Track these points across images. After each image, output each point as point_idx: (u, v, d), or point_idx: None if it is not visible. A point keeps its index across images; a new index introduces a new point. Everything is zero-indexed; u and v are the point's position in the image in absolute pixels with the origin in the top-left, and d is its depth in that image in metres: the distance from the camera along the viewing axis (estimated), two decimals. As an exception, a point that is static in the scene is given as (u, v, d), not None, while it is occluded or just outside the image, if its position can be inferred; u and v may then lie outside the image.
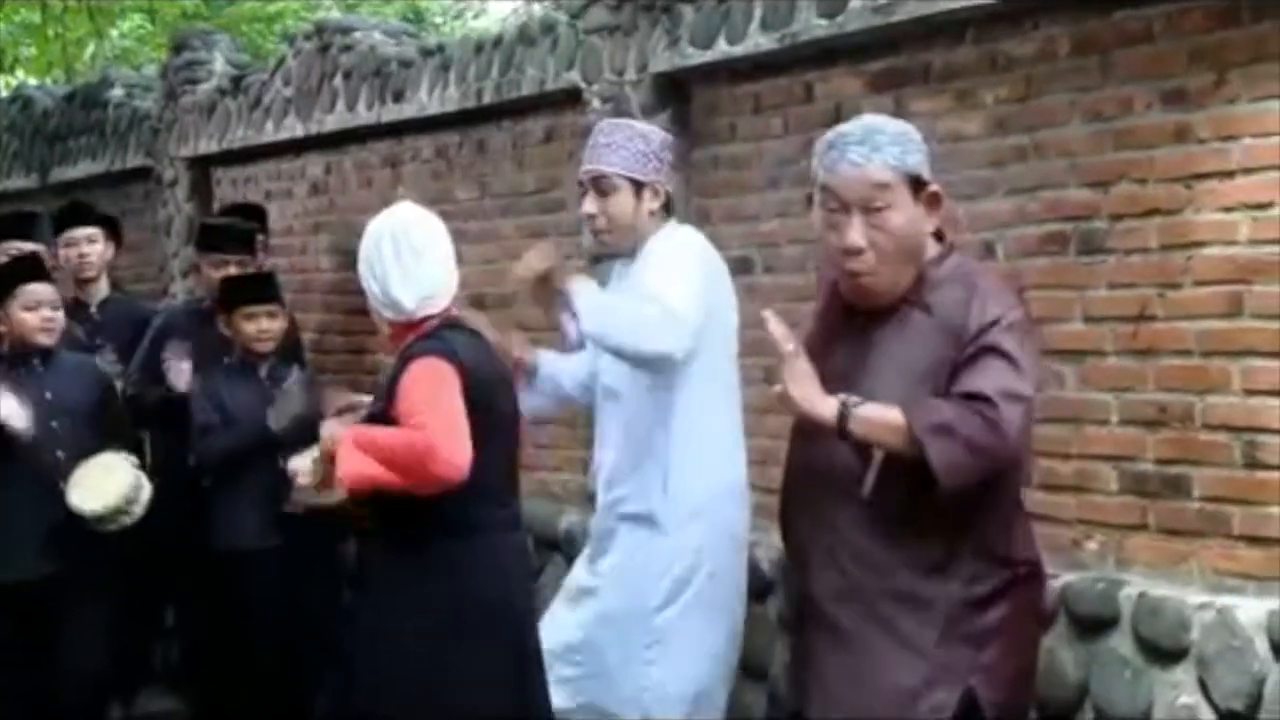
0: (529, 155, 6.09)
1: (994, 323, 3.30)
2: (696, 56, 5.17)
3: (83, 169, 9.00)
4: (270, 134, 7.36)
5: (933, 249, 3.43)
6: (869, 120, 3.47)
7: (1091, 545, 4.13)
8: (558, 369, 4.62)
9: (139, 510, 5.14)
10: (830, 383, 3.36)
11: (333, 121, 6.94)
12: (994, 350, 3.27)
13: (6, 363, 5.21)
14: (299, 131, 7.16)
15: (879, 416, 3.27)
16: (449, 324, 3.97)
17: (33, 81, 13.40)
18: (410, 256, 4.01)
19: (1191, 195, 3.90)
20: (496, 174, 6.24)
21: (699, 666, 4.27)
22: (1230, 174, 3.82)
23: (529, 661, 3.97)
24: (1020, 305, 3.43)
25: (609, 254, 4.58)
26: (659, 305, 4.11)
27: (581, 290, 4.25)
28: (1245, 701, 3.61)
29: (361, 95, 6.74)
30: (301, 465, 4.30)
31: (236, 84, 7.67)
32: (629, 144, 4.39)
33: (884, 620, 3.34)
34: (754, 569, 4.83)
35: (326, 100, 6.96)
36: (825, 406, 3.31)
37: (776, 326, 3.37)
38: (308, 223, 7.31)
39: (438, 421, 3.74)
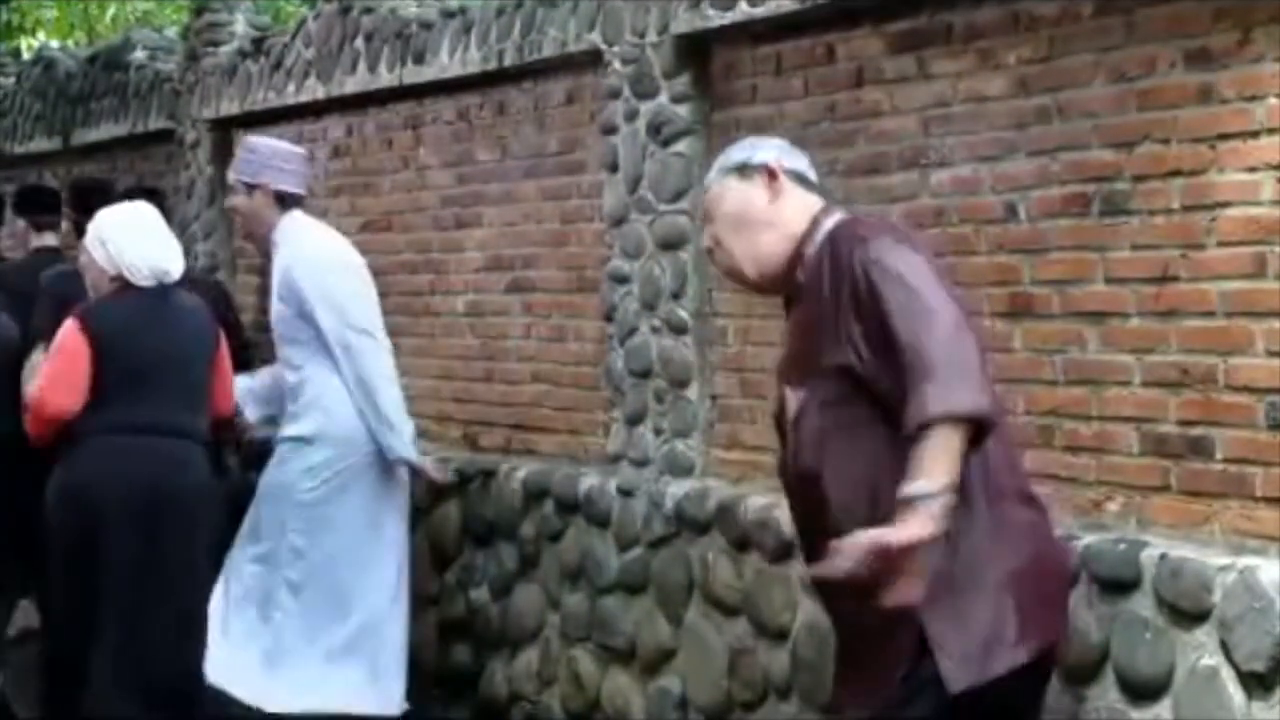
0: (550, 117, 6.08)
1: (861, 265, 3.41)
2: (717, 18, 5.15)
3: (105, 131, 9.01)
4: (291, 96, 7.36)
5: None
6: None
7: (1112, 506, 4.12)
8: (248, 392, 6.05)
9: None
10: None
11: (354, 84, 6.94)
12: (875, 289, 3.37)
13: None
14: (320, 94, 7.16)
15: (934, 458, 3.21)
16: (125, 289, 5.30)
17: (55, 44, 13.42)
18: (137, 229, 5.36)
19: (1215, 155, 3.87)
20: (517, 136, 6.23)
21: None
22: (1254, 134, 3.79)
23: (102, 531, 5.14)
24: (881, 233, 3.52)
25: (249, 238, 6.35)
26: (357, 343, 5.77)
27: None
28: (1267, 663, 3.60)
29: (383, 57, 6.74)
30: None
31: (258, 46, 7.67)
32: (243, 155, 6.00)
33: None
34: (774, 531, 4.85)
35: (347, 62, 6.96)
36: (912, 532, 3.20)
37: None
38: (329, 185, 7.31)
39: (48, 378, 5.23)
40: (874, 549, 3.14)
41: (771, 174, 3.65)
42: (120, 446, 5.20)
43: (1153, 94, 4.01)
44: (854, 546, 3.16)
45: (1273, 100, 3.75)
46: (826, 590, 3.62)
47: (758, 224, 3.63)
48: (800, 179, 3.69)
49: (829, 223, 3.59)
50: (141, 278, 5.29)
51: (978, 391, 3.25)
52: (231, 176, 6.09)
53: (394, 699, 5.81)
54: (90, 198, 6.29)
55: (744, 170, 3.68)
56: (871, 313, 3.34)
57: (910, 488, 3.18)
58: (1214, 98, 3.87)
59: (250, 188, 5.90)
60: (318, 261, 5.80)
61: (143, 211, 5.49)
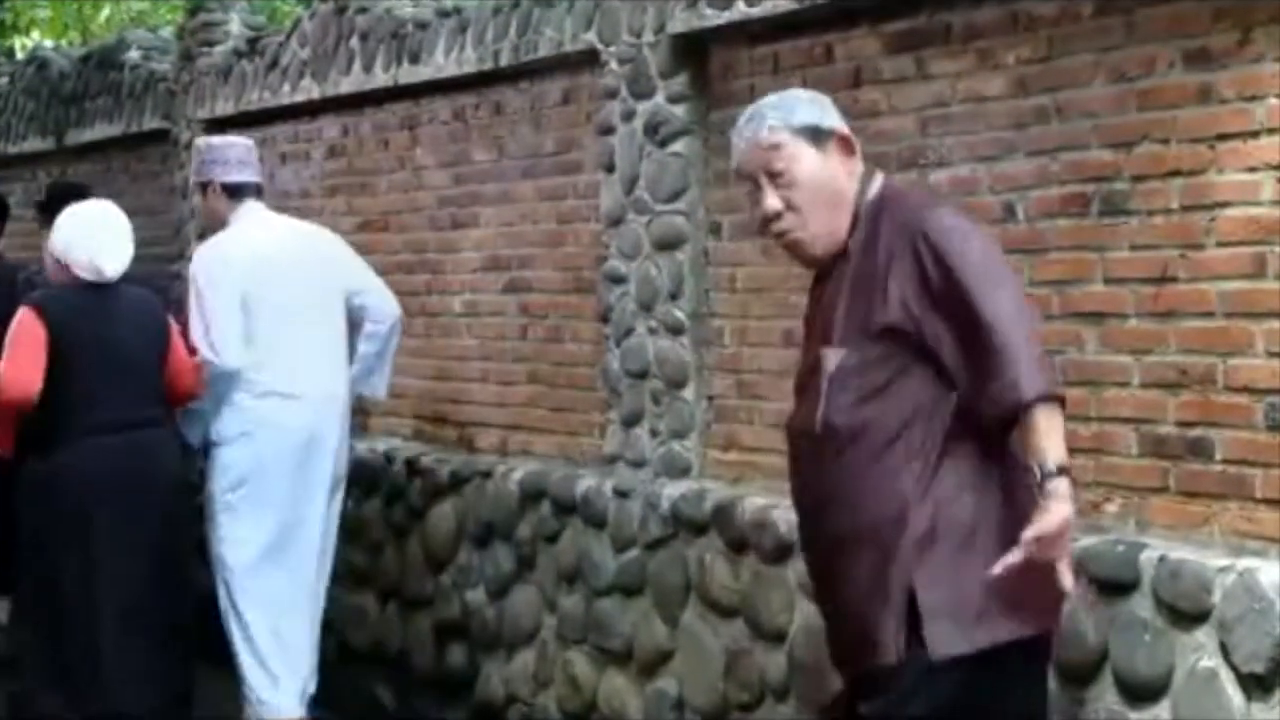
0: (546, 117, 6.07)
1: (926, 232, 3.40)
2: (715, 17, 5.14)
3: (99, 131, 9.00)
4: (287, 96, 7.35)
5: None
6: (763, 99, 3.67)
7: (1111, 508, 4.12)
8: None
9: None
10: (806, 355, 3.61)
11: (349, 83, 6.92)
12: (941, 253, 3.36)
13: None
14: (315, 94, 7.15)
15: (1048, 436, 3.30)
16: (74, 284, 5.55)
17: (48, 43, 13.40)
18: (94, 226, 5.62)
19: (1214, 155, 3.87)
20: (514, 136, 6.22)
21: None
22: (1254, 134, 3.78)
23: (101, 550, 5.36)
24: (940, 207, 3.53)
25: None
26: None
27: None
28: (1266, 665, 3.59)
29: (378, 57, 6.72)
30: None
31: (253, 46, 7.65)
32: (193, 158, 6.24)
33: None
34: (771, 531, 4.84)
35: (343, 62, 6.94)
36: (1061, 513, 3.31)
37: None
38: (325, 185, 7.30)
39: (9, 361, 5.39)
40: (1036, 541, 3.25)
41: (847, 146, 3.54)
42: (93, 444, 5.40)
43: (1153, 94, 4.00)
44: (1022, 546, 3.26)
45: (1273, 100, 3.74)
46: (816, 563, 3.62)
47: (839, 202, 3.54)
48: None
49: (874, 187, 3.55)
50: (81, 269, 5.53)
51: (1053, 370, 3.38)
52: (191, 181, 6.44)
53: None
54: (66, 202, 6.35)
55: (818, 136, 3.53)
56: (940, 277, 3.36)
57: (1037, 469, 3.28)
58: (1214, 98, 3.86)
59: (203, 186, 6.08)
60: (195, 266, 5.91)
61: (99, 209, 5.73)
